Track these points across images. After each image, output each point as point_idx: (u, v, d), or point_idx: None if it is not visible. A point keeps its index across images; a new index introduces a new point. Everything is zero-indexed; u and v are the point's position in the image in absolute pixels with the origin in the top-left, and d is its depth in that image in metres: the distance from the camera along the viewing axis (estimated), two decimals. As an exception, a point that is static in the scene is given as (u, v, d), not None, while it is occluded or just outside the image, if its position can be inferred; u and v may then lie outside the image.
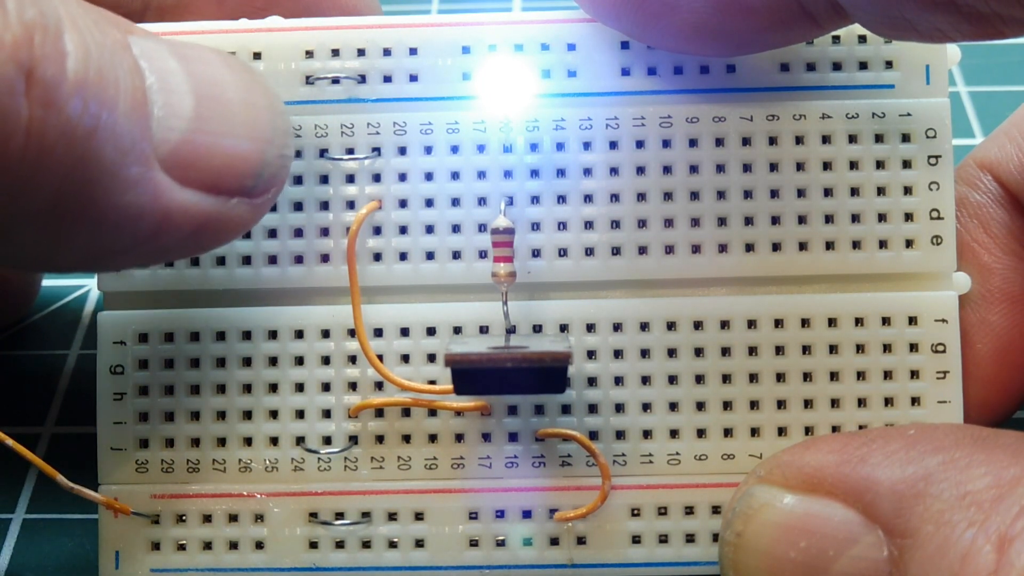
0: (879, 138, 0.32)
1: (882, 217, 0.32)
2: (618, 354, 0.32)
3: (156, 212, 0.26)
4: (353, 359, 0.33)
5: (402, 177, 0.33)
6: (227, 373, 0.33)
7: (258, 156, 0.28)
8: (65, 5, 0.24)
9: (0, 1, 0.22)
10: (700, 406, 0.32)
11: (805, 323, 0.32)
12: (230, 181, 0.27)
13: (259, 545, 0.33)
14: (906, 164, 0.32)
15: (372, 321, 0.32)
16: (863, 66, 0.33)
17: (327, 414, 0.33)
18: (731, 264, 0.32)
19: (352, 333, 0.32)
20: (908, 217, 0.32)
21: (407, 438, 0.33)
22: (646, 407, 0.32)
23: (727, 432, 0.32)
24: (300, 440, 0.33)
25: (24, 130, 0.23)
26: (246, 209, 0.28)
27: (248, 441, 0.33)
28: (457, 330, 0.32)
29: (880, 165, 0.32)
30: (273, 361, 0.33)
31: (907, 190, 0.32)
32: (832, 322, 0.32)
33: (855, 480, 0.26)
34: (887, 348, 0.32)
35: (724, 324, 0.32)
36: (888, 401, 0.32)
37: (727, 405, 0.32)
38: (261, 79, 0.29)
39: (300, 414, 0.33)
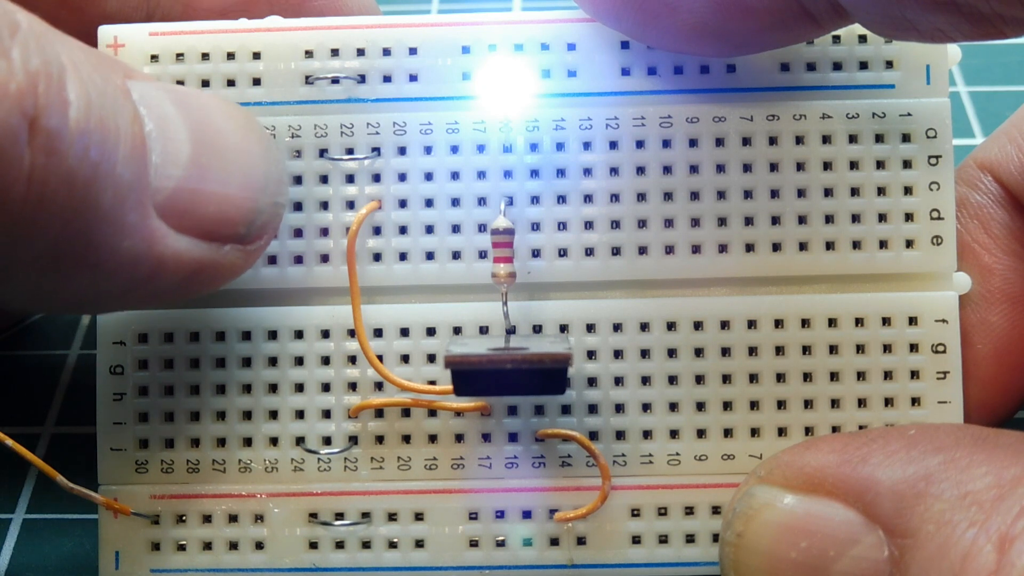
0: (879, 138, 0.32)
1: (882, 217, 0.32)
2: (618, 354, 0.32)
3: (151, 258, 0.26)
4: (353, 359, 0.33)
5: (402, 177, 0.33)
6: (227, 373, 0.33)
7: (251, 204, 0.28)
8: (68, 52, 0.24)
9: (4, 50, 0.23)
10: (700, 406, 0.32)
11: (805, 323, 0.32)
12: (224, 228, 0.28)
13: (259, 545, 0.33)
14: (906, 164, 0.32)
15: (372, 321, 0.32)
16: (863, 66, 0.33)
17: (327, 414, 0.33)
18: (731, 264, 0.32)
19: (352, 333, 0.32)
20: (908, 217, 0.32)
21: (407, 438, 0.33)
22: (646, 407, 0.32)
23: (727, 432, 0.32)
24: (300, 440, 0.33)
25: (26, 178, 0.23)
26: (239, 256, 0.28)
27: (248, 441, 0.33)
28: (457, 330, 0.32)
29: (880, 165, 0.32)
30: (273, 361, 0.33)
31: (907, 190, 0.32)
32: (832, 322, 0.32)
33: (856, 480, 0.26)
34: (887, 348, 0.32)
35: (724, 324, 0.32)
36: (888, 401, 0.32)
37: (727, 405, 0.32)
38: (257, 125, 0.29)
39: (300, 414, 0.33)
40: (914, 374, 0.32)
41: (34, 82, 0.23)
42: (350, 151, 0.33)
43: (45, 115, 0.23)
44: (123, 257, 0.25)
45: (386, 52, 0.33)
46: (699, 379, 0.32)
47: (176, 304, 0.33)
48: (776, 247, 0.32)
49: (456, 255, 0.33)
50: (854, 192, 0.32)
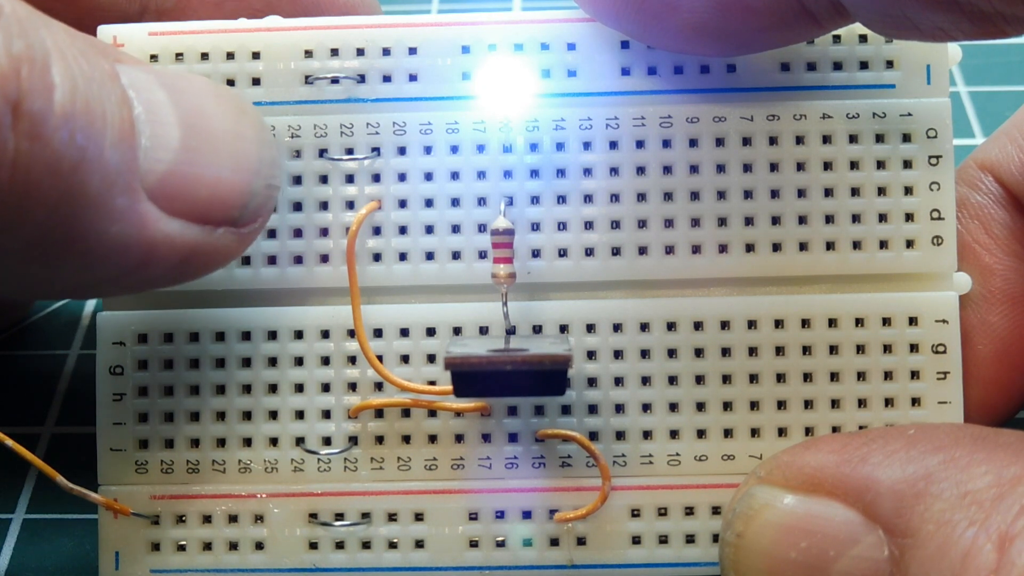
0: (880, 138, 0.32)
1: (883, 217, 0.32)
2: (618, 355, 0.32)
3: (143, 243, 0.26)
4: (353, 360, 0.33)
5: (402, 177, 0.33)
6: (226, 374, 0.33)
7: (244, 187, 0.28)
8: (53, 36, 0.24)
9: None
10: (700, 407, 0.32)
11: (805, 324, 0.32)
12: (216, 211, 0.27)
13: (259, 546, 0.33)
14: (907, 164, 0.32)
15: (372, 321, 0.32)
16: (864, 66, 0.33)
17: (327, 415, 0.33)
18: (731, 264, 0.32)
19: (352, 333, 0.32)
20: (909, 217, 0.32)
21: (407, 439, 0.33)
22: (646, 408, 0.32)
23: (727, 433, 0.32)
24: (300, 441, 0.33)
25: (10, 164, 0.23)
26: (232, 239, 0.28)
27: (248, 442, 0.33)
28: (457, 331, 0.32)
29: (881, 165, 0.32)
30: (272, 362, 0.33)
31: (908, 190, 0.32)
32: (832, 323, 0.32)
33: (855, 480, 0.26)
34: (887, 349, 0.32)
35: (724, 324, 0.32)
36: (888, 402, 0.32)
37: (727, 406, 0.32)
38: (250, 109, 0.29)
39: (300, 415, 0.33)
40: (914, 374, 0.32)
41: (17, 66, 0.23)
42: (350, 151, 0.33)
43: (28, 99, 0.23)
44: (113, 242, 0.25)
45: (386, 52, 0.33)
46: (699, 379, 0.32)
47: (176, 304, 0.33)
48: (776, 247, 0.32)
49: (456, 255, 0.33)
50: (854, 192, 0.32)
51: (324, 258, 0.33)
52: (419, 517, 0.32)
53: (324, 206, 0.33)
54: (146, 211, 0.26)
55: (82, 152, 0.24)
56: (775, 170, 0.32)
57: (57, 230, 0.24)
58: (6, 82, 0.22)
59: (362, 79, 0.33)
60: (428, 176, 0.33)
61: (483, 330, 0.32)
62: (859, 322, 0.32)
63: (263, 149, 0.29)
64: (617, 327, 0.32)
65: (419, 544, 0.32)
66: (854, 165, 0.32)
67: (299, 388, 0.33)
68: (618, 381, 0.32)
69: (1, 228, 0.23)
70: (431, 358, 0.32)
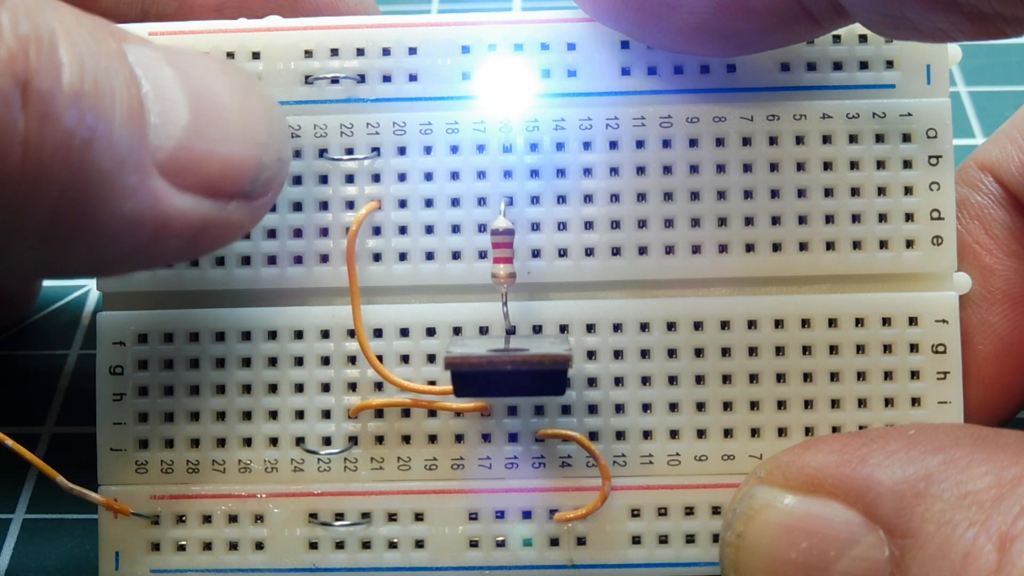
0: (880, 138, 0.32)
1: (883, 217, 0.32)
2: (618, 355, 0.32)
3: (155, 219, 0.26)
4: (353, 360, 0.33)
5: (401, 177, 0.33)
6: (226, 374, 0.33)
7: (255, 160, 0.28)
8: (59, 16, 0.24)
9: None
10: (700, 407, 0.32)
11: (805, 323, 0.32)
12: (227, 185, 0.27)
13: (259, 546, 0.33)
14: (907, 164, 0.32)
15: (372, 321, 0.32)
16: (864, 66, 0.33)
17: (327, 415, 0.33)
18: (731, 264, 0.32)
19: (352, 333, 0.32)
20: (909, 217, 0.32)
21: (407, 439, 0.33)
22: (646, 408, 0.32)
23: (727, 433, 0.32)
24: (300, 441, 0.33)
25: (21, 144, 0.23)
26: (244, 212, 0.28)
27: (248, 442, 0.33)
28: (457, 331, 0.32)
29: (881, 165, 0.32)
30: (272, 362, 0.33)
31: (908, 190, 0.32)
32: (832, 323, 0.32)
33: (856, 480, 0.26)
34: (887, 349, 0.32)
35: (724, 324, 0.32)
36: (888, 402, 0.32)
37: (727, 406, 0.32)
38: (257, 83, 0.29)
39: (300, 415, 0.33)
40: (914, 374, 0.32)
41: (25, 46, 0.23)
42: (350, 151, 0.33)
43: (37, 79, 0.23)
44: (126, 220, 0.25)
45: (386, 52, 0.33)
46: (699, 379, 0.32)
47: (176, 304, 0.33)
48: (776, 247, 0.32)
49: (456, 255, 0.33)
50: (854, 192, 0.32)
51: (324, 258, 0.33)
52: (419, 517, 0.32)
53: (324, 206, 0.33)
54: (158, 187, 0.26)
55: (92, 131, 0.24)
56: (775, 170, 0.32)
57: (70, 209, 0.24)
58: (14, 63, 0.22)
59: (362, 79, 0.33)
60: (428, 176, 0.33)
61: (483, 330, 0.32)
62: (859, 322, 0.32)
63: (272, 122, 0.29)
64: (617, 327, 0.32)
65: (419, 544, 0.32)
66: (854, 165, 0.32)
67: (299, 388, 0.33)
68: (618, 381, 0.32)
69: (14, 208, 0.23)
70: (431, 358, 0.32)
